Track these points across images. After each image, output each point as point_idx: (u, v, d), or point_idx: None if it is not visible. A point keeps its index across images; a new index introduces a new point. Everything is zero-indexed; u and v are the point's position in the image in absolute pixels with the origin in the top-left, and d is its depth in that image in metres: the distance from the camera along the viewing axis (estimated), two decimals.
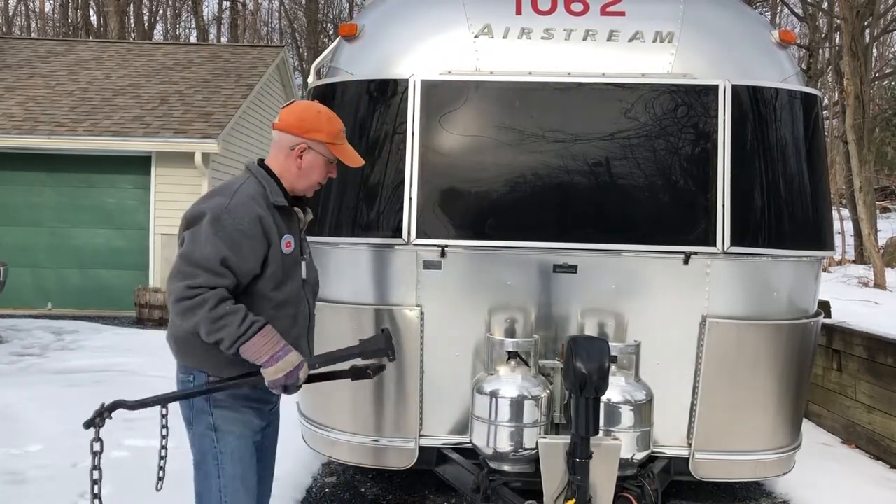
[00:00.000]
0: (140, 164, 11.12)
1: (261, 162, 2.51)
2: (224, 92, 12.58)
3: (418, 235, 3.35)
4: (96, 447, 2.28)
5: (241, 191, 2.37)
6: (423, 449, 3.47)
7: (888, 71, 23.67)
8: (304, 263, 2.53)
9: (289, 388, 2.35)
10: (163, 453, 2.44)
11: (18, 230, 11.19)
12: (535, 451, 3.10)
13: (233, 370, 2.36)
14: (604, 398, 2.99)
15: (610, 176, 3.36)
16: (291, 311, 2.46)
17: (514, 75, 3.41)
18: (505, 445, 3.16)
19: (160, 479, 2.43)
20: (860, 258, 15.36)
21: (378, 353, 2.53)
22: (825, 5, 17.30)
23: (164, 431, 2.46)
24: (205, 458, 2.40)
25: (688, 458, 3.45)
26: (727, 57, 3.48)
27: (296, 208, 2.51)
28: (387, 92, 3.46)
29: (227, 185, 2.45)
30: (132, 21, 29.72)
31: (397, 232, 3.34)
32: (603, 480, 2.94)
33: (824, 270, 13.14)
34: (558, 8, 3.52)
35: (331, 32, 28.68)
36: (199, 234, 2.29)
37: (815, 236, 3.52)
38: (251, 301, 2.36)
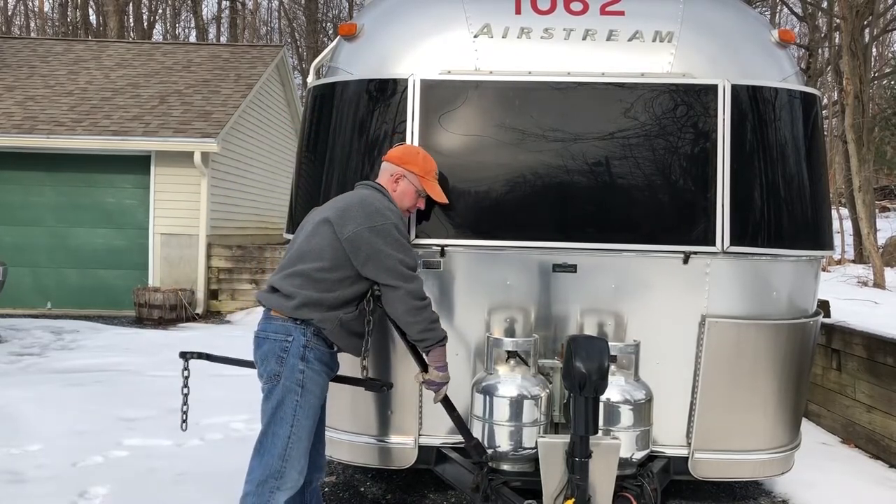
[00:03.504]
0: (139, 164, 11.11)
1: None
2: (223, 91, 12.58)
3: (417, 235, 3.35)
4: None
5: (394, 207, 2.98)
6: (422, 448, 3.47)
7: (888, 70, 23.67)
8: None
9: (434, 392, 2.99)
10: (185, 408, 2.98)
11: (18, 230, 11.19)
12: (534, 451, 3.10)
13: (342, 336, 2.83)
14: (603, 398, 3.00)
15: (609, 175, 3.36)
16: None
17: (513, 75, 3.41)
18: (504, 445, 3.16)
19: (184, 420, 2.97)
20: (859, 258, 15.36)
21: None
22: (825, 5, 17.30)
23: (186, 390, 2.96)
24: (285, 408, 2.76)
25: (687, 458, 3.45)
26: (727, 56, 3.48)
27: None
28: (386, 91, 3.46)
29: (378, 196, 2.95)
30: (131, 20, 29.73)
31: None
32: (602, 480, 2.94)
33: (824, 270, 13.15)
34: (558, 7, 3.52)
35: (330, 32, 28.69)
36: (399, 241, 2.80)
37: (815, 236, 3.52)
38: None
